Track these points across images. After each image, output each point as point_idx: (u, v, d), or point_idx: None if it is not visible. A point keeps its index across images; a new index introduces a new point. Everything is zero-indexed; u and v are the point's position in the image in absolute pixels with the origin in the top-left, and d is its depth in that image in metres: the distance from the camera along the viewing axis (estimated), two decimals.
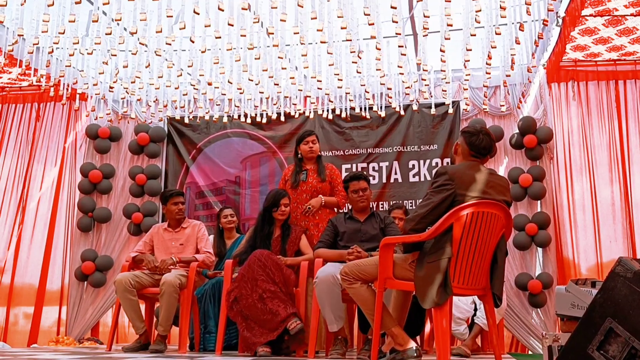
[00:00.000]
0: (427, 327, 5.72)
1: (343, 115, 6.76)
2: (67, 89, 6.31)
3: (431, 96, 6.57)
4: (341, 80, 5.91)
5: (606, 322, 2.08)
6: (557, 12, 5.68)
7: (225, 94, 6.38)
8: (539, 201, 6.84)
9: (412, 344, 3.51)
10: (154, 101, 6.94)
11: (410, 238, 3.41)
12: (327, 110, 6.81)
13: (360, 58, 5.45)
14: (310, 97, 6.60)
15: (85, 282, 7.37)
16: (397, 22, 4.55)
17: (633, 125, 6.93)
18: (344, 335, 4.53)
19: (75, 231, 7.52)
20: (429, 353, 5.45)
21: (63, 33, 4.62)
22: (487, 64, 5.62)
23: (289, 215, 5.21)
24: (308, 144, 5.52)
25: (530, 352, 6.52)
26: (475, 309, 5.55)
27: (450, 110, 6.79)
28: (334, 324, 4.41)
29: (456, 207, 3.29)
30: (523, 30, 5.20)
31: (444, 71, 5.84)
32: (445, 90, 6.32)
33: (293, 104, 6.75)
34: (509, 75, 6.12)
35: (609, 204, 6.83)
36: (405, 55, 5.33)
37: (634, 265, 2.08)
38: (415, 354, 3.47)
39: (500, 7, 4.62)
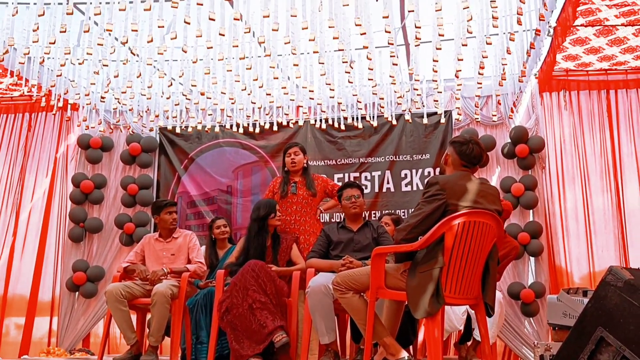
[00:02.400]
0: (421, 337, 5.71)
1: (335, 125, 6.76)
2: (59, 99, 6.29)
3: (423, 106, 6.57)
4: (333, 90, 5.90)
5: (597, 331, 2.08)
6: (548, 22, 5.70)
7: (217, 104, 6.37)
8: (531, 210, 6.85)
9: (404, 354, 3.49)
10: (146, 111, 6.93)
11: (402, 248, 3.40)
12: (320, 120, 6.80)
13: (352, 68, 5.45)
14: (302, 106, 6.60)
15: (77, 293, 7.33)
16: (389, 32, 4.56)
17: (624, 134, 6.96)
18: (335, 349, 4.50)
19: (66, 241, 7.48)
20: None
21: (54, 43, 4.60)
22: (479, 73, 5.63)
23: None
24: (290, 157, 5.54)
25: None
26: (469, 318, 5.54)
27: (443, 120, 6.81)
28: (325, 336, 4.37)
29: (448, 217, 3.28)
30: (514, 41, 5.22)
31: (436, 81, 5.84)
32: (437, 100, 6.33)
33: (285, 113, 6.74)
34: (502, 85, 6.13)
35: (601, 213, 6.85)
36: (397, 65, 5.34)
37: (624, 274, 2.08)
38: None
39: (493, 17, 4.64)
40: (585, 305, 2.15)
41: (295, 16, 4.37)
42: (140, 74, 5.71)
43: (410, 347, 5.44)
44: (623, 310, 2.03)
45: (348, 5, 4.18)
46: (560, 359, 2.18)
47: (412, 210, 3.59)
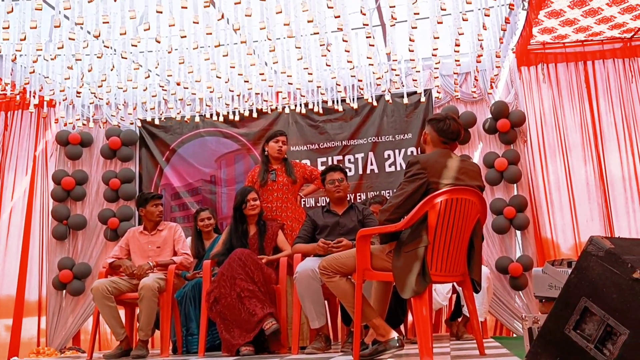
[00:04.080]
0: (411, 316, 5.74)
1: (316, 109, 6.73)
2: (34, 96, 6.19)
3: (403, 86, 6.57)
4: (311, 74, 5.87)
5: (581, 302, 2.09)
6: None
7: (195, 94, 6.31)
8: (515, 184, 6.87)
9: (394, 334, 3.51)
10: (123, 104, 6.85)
11: (386, 229, 3.40)
12: (300, 105, 6.77)
13: (329, 51, 5.41)
14: (281, 92, 6.56)
15: (64, 291, 7.27)
16: (365, 15, 4.53)
17: (603, 104, 6.99)
18: (326, 333, 4.51)
19: (50, 240, 7.40)
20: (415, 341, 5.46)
21: (24, 40, 4.53)
22: (455, 51, 5.61)
23: (261, 211, 5.21)
24: (278, 143, 5.54)
25: (514, 335, 6.56)
26: (459, 295, 5.58)
27: (423, 99, 6.79)
28: (315, 321, 4.40)
29: (430, 195, 3.29)
30: (489, 16, 5.20)
31: (414, 60, 5.82)
32: (416, 80, 6.32)
33: (264, 100, 6.70)
34: (479, 61, 6.12)
35: (584, 184, 6.89)
36: (373, 46, 5.31)
37: (605, 243, 2.09)
38: (397, 344, 3.47)
39: None
40: (569, 277, 2.16)
41: (267, 0, 4.33)
42: (114, 67, 5.63)
43: (402, 326, 5.49)
44: (605, 280, 2.04)
45: None
46: (547, 331, 2.19)
47: (395, 190, 3.59)
